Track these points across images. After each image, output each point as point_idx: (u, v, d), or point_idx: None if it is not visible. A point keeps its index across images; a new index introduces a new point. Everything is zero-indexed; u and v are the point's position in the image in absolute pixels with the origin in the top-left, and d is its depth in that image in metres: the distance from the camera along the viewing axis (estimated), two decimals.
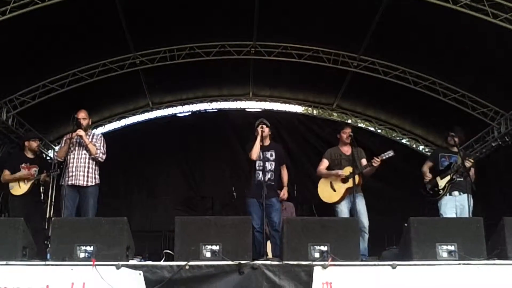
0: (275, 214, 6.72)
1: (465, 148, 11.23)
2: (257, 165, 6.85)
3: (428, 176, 7.30)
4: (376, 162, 6.76)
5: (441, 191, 7.11)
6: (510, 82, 9.19)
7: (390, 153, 6.83)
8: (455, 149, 7.25)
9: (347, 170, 6.84)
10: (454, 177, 7.04)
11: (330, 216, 6.83)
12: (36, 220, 7.66)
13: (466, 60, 9.45)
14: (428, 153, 12.90)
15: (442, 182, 7.14)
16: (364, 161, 7.00)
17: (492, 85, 9.87)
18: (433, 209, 7.22)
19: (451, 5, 8.00)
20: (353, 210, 6.67)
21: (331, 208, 6.98)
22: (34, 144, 7.85)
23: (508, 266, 4.76)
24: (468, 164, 6.94)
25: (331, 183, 6.98)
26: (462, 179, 7.05)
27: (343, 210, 6.82)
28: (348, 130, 7.12)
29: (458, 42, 9.08)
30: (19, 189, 7.58)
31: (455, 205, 7.03)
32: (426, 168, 7.46)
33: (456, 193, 7.06)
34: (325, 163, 7.14)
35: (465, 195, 6.98)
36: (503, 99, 10.02)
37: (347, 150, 7.02)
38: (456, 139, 7.23)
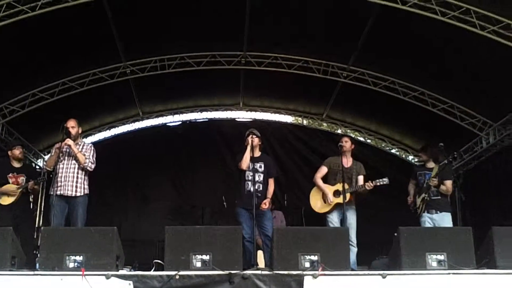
0: (267, 223, 6.75)
1: (454, 159, 11.31)
2: (246, 175, 6.89)
3: (408, 198, 7.58)
4: (369, 186, 6.85)
5: (418, 210, 7.31)
6: (498, 93, 9.29)
7: (385, 181, 6.91)
8: (432, 165, 7.41)
9: (339, 186, 6.87)
10: (425, 196, 7.18)
11: (319, 225, 6.87)
12: (25, 229, 7.60)
13: (454, 71, 9.53)
14: (417, 164, 12.99)
15: (418, 201, 7.32)
16: (361, 178, 7.06)
17: (481, 96, 9.95)
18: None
19: (440, 17, 8.08)
20: (343, 221, 6.71)
21: (321, 217, 7.01)
22: (16, 152, 7.78)
23: (497, 276, 4.80)
24: (432, 183, 7.11)
25: (323, 194, 7.03)
26: (439, 197, 7.18)
27: (334, 220, 6.87)
28: (343, 139, 7.19)
29: (447, 53, 9.16)
30: (8, 198, 7.52)
31: (432, 224, 7.15)
32: (410, 186, 7.68)
33: (433, 211, 7.20)
34: (323, 170, 7.19)
35: (442, 213, 7.11)
36: (492, 109, 10.10)
37: (346, 162, 7.08)
38: (425, 157, 7.50)
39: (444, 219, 7.11)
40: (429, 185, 7.13)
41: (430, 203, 7.19)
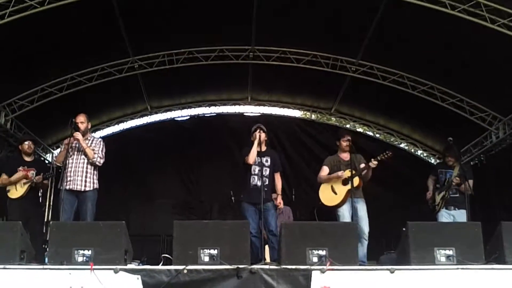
0: (271, 218, 6.75)
1: (463, 153, 11.27)
2: (252, 170, 6.88)
3: (428, 193, 7.66)
4: (373, 163, 6.79)
5: (437, 206, 7.41)
6: (508, 87, 9.22)
7: (389, 153, 6.85)
8: (453, 164, 7.45)
9: (347, 173, 6.87)
10: (446, 194, 7.24)
11: (331, 221, 6.85)
12: (34, 223, 7.65)
13: (464, 65, 9.47)
14: (426, 158, 12.98)
15: (438, 198, 7.44)
16: (363, 166, 7.02)
17: (490, 90, 9.89)
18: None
19: (449, 10, 8.03)
20: (354, 215, 6.70)
21: (332, 213, 6.99)
22: (25, 146, 7.84)
23: (506, 271, 4.77)
24: (455, 181, 7.21)
25: (332, 186, 7.01)
26: (458, 195, 7.20)
27: (345, 214, 6.83)
28: (348, 138, 7.16)
29: (456, 47, 9.10)
30: (16, 192, 7.57)
31: (450, 219, 7.22)
32: (429, 182, 7.78)
33: (451, 207, 7.33)
34: (325, 170, 7.17)
35: (460, 210, 7.11)
36: (501, 104, 10.04)
37: (346, 156, 7.06)
38: (453, 159, 7.56)
39: (462, 216, 7.12)
40: (450, 184, 7.18)
41: (449, 201, 7.23)
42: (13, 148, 10.44)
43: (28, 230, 5.56)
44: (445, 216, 7.31)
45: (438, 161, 12.09)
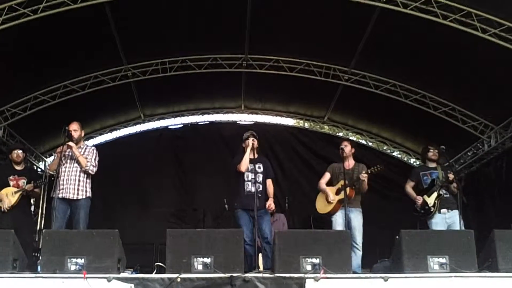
0: (266, 225, 6.74)
1: (455, 161, 11.33)
2: (245, 176, 6.89)
3: (418, 198, 7.23)
4: (364, 176, 6.84)
5: (432, 208, 7.09)
6: (499, 96, 9.29)
7: (379, 167, 6.90)
8: (434, 165, 7.34)
9: (341, 183, 6.90)
10: (440, 192, 7.10)
11: (327, 229, 6.88)
12: (26, 232, 7.58)
13: (456, 74, 9.54)
14: (418, 164, 12.99)
15: (430, 200, 7.15)
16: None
17: (482, 99, 9.96)
18: (425, 227, 7.22)
19: (441, 19, 8.10)
20: (348, 223, 6.71)
21: (328, 221, 7.04)
22: (14, 155, 7.77)
23: (499, 279, 4.79)
24: (451, 176, 6.99)
25: (326, 195, 7.06)
26: (449, 195, 7.11)
27: (338, 220, 6.87)
28: (342, 143, 7.21)
29: (448, 56, 9.16)
30: (8, 201, 7.50)
31: (445, 223, 7.04)
32: (410, 189, 7.42)
33: (444, 210, 7.05)
34: (326, 176, 7.26)
35: (453, 211, 7.03)
36: (493, 112, 10.11)
37: (348, 164, 7.11)
38: (437, 152, 7.34)
39: (456, 216, 7.00)
40: (446, 179, 6.99)
41: (443, 201, 7.10)
42: (5, 156, 10.39)
43: (20, 239, 5.50)
44: (440, 219, 7.13)
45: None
